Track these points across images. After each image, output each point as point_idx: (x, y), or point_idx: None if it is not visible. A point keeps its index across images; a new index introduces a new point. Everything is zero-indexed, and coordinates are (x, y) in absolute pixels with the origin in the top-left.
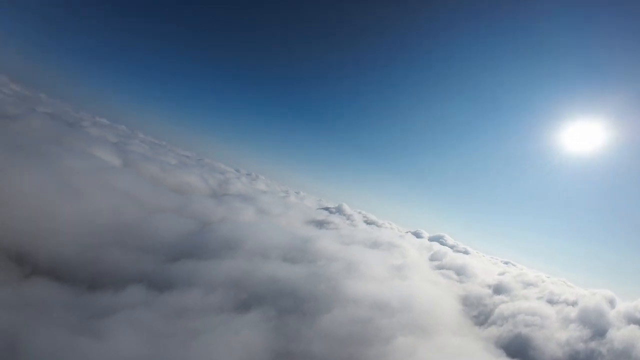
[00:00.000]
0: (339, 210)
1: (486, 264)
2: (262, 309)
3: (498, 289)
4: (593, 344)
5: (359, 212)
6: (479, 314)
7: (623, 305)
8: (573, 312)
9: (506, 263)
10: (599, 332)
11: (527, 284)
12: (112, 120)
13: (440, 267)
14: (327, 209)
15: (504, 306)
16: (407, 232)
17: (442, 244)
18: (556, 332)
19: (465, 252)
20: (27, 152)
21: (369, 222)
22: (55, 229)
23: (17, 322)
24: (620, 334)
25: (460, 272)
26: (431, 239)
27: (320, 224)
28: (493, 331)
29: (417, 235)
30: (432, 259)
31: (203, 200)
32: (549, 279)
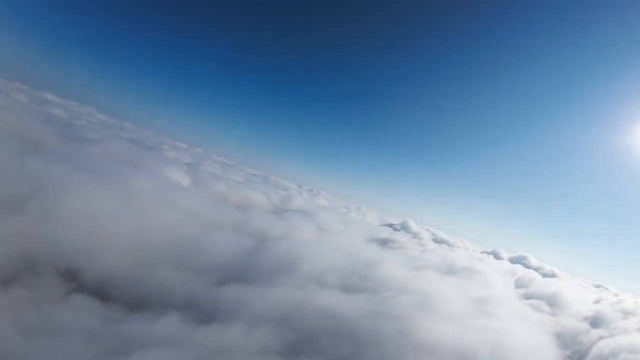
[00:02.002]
0: (404, 227)
1: (578, 290)
2: (313, 357)
3: (595, 322)
4: None
5: (427, 229)
6: (573, 354)
7: None
8: None
9: (598, 287)
10: None
11: (627, 313)
12: (190, 144)
13: (527, 296)
14: (390, 225)
15: (602, 343)
16: (484, 253)
17: (525, 266)
18: None
19: (553, 276)
20: (98, 173)
21: (438, 241)
22: (109, 246)
23: (31, 347)
24: None
25: (552, 302)
26: (512, 261)
27: (384, 243)
28: None
29: (496, 256)
30: (517, 285)
31: (263, 217)
32: None
